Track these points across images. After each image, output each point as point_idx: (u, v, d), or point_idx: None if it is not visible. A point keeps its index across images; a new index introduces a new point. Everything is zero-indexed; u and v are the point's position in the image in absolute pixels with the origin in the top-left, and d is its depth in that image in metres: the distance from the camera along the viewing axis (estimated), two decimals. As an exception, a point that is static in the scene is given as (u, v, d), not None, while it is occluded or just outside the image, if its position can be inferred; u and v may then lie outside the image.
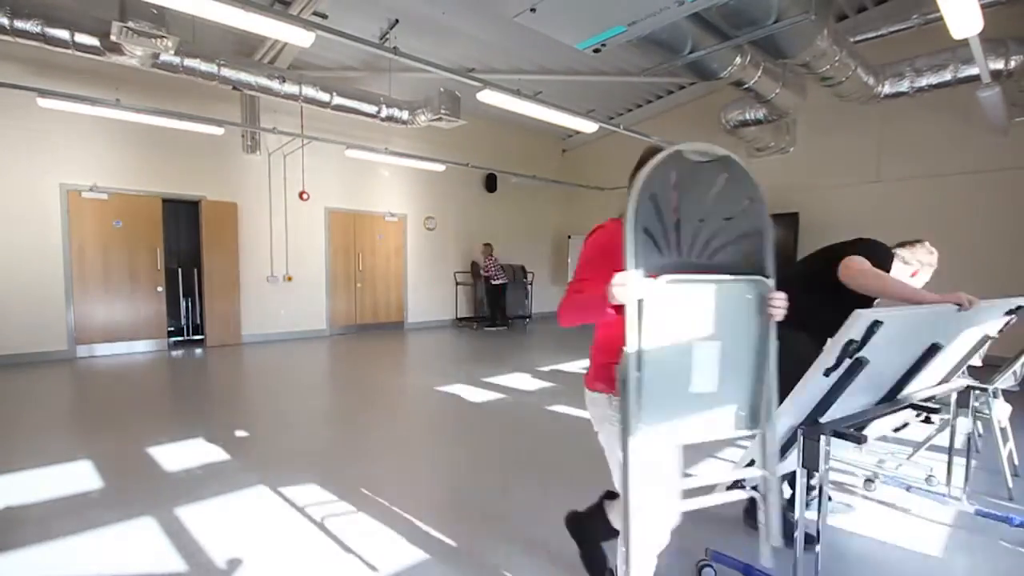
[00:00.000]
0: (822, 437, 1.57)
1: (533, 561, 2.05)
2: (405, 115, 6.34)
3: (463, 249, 9.91)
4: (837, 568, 2.01)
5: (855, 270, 1.99)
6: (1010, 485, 2.65)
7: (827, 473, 1.60)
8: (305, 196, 7.76)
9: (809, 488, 1.75)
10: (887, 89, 5.56)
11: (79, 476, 2.81)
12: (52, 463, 2.98)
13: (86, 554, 2.08)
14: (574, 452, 3.24)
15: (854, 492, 2.68)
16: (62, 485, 2.70)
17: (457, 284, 9.81)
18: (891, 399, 1.97)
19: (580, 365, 5.97)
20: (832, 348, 1.54)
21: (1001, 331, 2.35)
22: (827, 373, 1.58)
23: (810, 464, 1.58)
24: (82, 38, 4.15)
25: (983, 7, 3.04)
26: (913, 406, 2.03)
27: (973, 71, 4.92)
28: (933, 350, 1.87)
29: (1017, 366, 2.77)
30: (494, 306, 9.43)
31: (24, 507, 2.48)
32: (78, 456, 3.08)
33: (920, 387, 2.08)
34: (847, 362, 1.57)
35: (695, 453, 3.22)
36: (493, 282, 9.20)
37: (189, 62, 4.75)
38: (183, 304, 7.62)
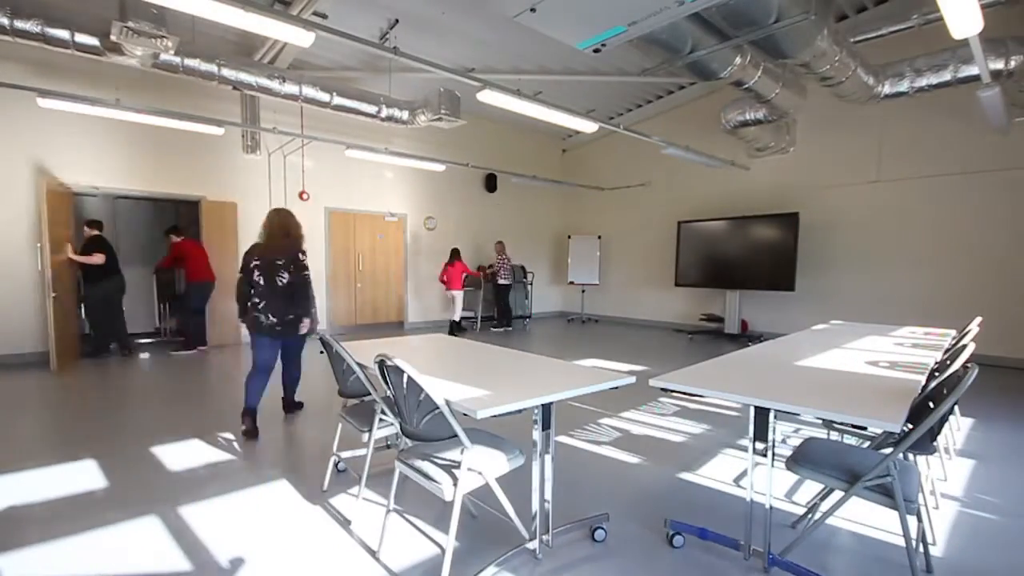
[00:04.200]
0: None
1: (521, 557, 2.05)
2: (405, 115, 6.34)
3: (463, 249, 9.92)
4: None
5: None
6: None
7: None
8: (305, 196, 7.76)
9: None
10: (887, 89, 5.56)
11: (81, 475, 2.81)
12: (54, 463, 2.98)
13: (89, 554, 2.08)
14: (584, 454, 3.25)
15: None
16: (64, 484, 2.70)
17: (457, 284, 9.82)
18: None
19: (589, 364, 5.96)
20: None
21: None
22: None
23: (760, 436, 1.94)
24: (82, 38, 4.14)
25: (983, 7, 3.04)
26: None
27: (973, 71, 4.92)
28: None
29: None
30: (499, 306, 9.32)
31: (27, 506, 2.48)
32: (80, 455, 3.08)
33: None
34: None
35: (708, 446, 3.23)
36: (500, 281, 9.12)
37: (189, 62, 4.74)
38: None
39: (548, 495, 2.06)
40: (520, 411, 1.77)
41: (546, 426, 1.99)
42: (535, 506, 2.04)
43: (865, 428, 2.13)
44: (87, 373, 5.40)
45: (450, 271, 8.55)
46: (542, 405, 1.93)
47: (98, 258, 5.90)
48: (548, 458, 2.03)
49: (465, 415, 1.69)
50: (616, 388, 2.06)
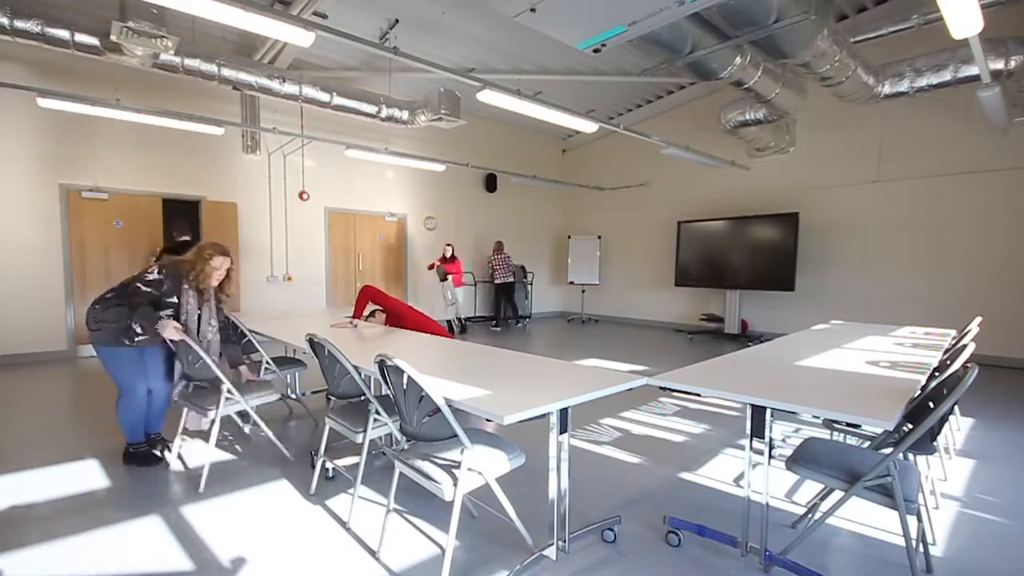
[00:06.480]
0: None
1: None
2: (405, 115, 6.34)
3: (463, 249, 9.91)
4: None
5: None
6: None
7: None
8: (305, 196, 7.76)
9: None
10: (887, 89, 5.56)
11: (82, 475, 2.82)
12: (56, 462, 2.98)
13: (90, 553, 2.08)
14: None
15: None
16: (66, 484, 2.70)
17: (457, 284, 9.84)
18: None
19: (590, 364, 5.96)
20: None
21: None
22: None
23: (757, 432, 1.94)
24: (82, 38, 4.14)
25: (983, 7, 3.04)
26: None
27: (973, 71, 4.92)
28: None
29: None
30: (497, 304, 9.67)
31: (29, 506, 2.48)
32: (81, 455, 3.08)
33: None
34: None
35: (705, 446, 3.23)
36: (497, 281, 9.37)
37: (189, 62, 4.74)
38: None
39: (567, 500, 2.02)
40: (543, 416, 1.74)
41: (564, 430, 1.95)
42: (553, 511, 2.00)
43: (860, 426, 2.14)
44: (100, 371, 5.40)
45: (450, 268, 8.65)
46: (560, 409, 1.89)
47: None
48: (565, 464, 1.98)
49: (489, 420, 1.64)
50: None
